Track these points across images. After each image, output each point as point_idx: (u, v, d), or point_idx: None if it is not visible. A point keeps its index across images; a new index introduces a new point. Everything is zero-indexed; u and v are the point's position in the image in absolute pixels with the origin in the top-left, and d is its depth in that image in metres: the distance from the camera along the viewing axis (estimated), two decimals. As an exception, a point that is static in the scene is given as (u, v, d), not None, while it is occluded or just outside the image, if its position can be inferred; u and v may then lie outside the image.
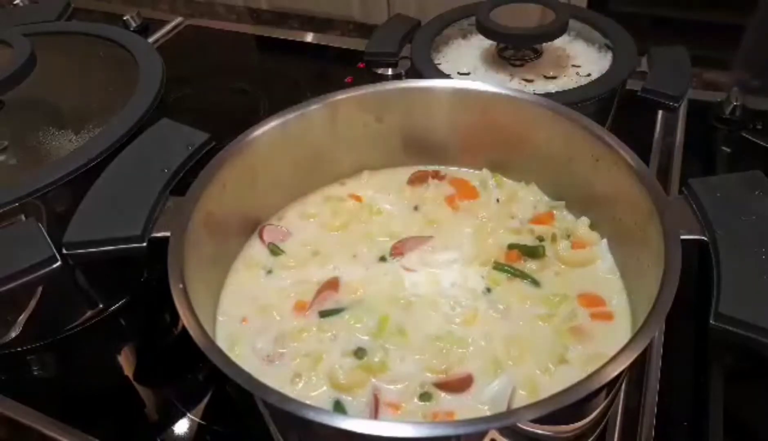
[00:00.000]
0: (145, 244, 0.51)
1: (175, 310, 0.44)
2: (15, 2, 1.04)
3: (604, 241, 0.59)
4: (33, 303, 0.63)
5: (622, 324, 0.54)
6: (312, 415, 0.38)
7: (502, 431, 0.38)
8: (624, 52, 0.77)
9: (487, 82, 0.65)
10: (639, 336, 0.41)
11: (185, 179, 0.56)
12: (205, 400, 0.62)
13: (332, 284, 0.58)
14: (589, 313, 0.55)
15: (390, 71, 0.87)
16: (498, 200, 0.65)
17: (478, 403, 0.49)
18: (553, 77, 0.77)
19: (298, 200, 0.67)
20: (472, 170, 0.69)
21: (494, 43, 0.81)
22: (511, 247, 0.60)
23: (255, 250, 0.62)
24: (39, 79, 0.67)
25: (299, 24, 1.25)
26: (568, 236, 0.61)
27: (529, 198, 0.66)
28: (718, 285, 0.45)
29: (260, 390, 0.40)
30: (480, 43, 0.83)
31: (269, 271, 0.60)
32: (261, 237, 0.63)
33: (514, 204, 0.65)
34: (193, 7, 1.34)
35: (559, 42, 0.79)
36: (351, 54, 1.08)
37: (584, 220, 0.61)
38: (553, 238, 0.61)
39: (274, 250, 0.62)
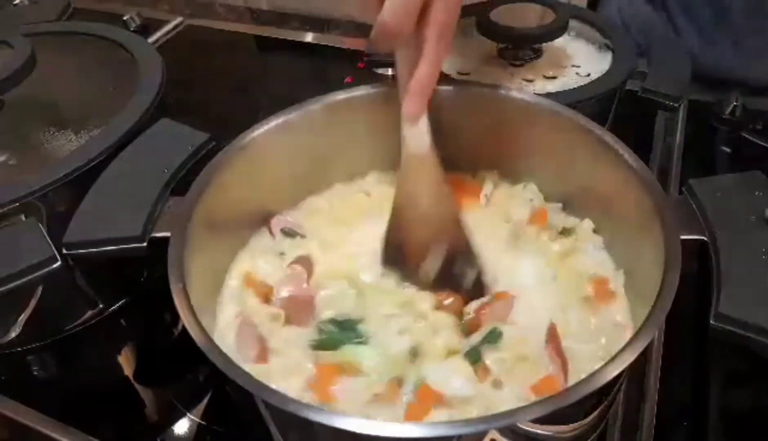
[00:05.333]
0: (145, 244, 0.51)
1: (175, 310, 0.45)
2: (15, 2, 1.04)
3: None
4: (33, 303, 0.63)
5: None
6: (312, 415, 0.38)
7: (502, 431, 0.38)
8: (624, 52, 0.77)
9: (487, 82, 0.65)
10: (639, 336, 0.41)
11: (185, 179, 0.56)
12: (205, 400, 0.62)
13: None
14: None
15: (390, 71, 0.87)
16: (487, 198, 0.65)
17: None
18: (553, 77, 0.77)
19: (298, 200, 0.67)
20: (472, 170, 0.69)
21: (494, 43, 0.81)
22: None
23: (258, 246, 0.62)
24: (39, 79, 0.67)
25: (299, 24, 1.25)
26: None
27: (528, 198, 0.66)
28: (718, 285, 0.45)
29: (260, 390, 0.40)
30: (480, 43, 0.83)
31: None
32: (269, 228, 0.63)
33: (513, 203, 0.65)
34: (193, 7, 1.33)
35: (559, 42, 0.79)
36: (351, 54, 1.08)
37: (588, 223, 0.61)
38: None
39: (290, 233, 0.62)
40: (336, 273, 0.58)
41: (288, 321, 0.55)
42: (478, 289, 0.56)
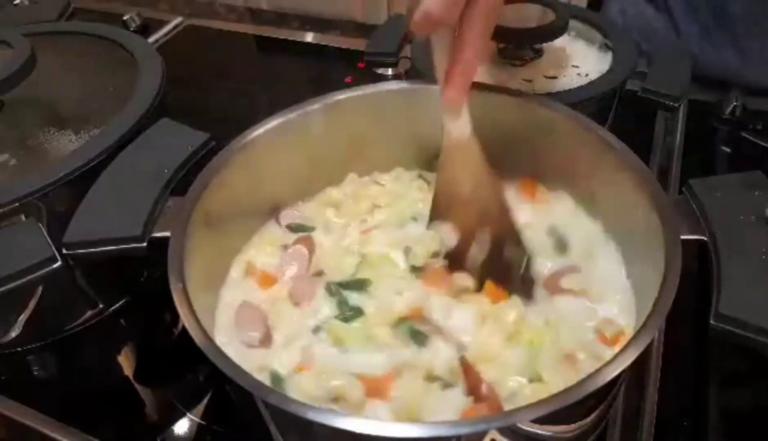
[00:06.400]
0: (145, 244, 0.51)
1: (175, 310, 0.44)
2: (15, 2, 1.04)
3: None
4: (33, 303, 0.63)
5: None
6: (312, 415, 0.38)
7: (502, 431, 0.38)
8: (624, 52, 0.77)
9: (487, 82, 0.65)
10: (639, 336, 0.41)
11: (185, 179, 0.56)
12: (205, 400, 0.62)
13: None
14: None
15: (390, 71, 0.87)
16: None
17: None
18: (553, 77, 0.77)
19: (298, 200, 0.67)
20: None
21: (494, 43, 0.81)
22: None
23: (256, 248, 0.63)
24: (39, 79, 0.67)
25: (299, 24, 1.25)
26: None
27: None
28: (718, 285, 0.45)
29: (260, 390, 0.40)
30: (480, 43, 0.83)
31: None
32: (277, 220, 0.64)
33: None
34: (193, 7, 1.34)
35: (559, 42, 0.79)
36: (351, 54, 1.08)
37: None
38: None
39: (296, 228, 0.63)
40: (339, 250, 0.59)
41: (294, 301, 0.56)
42: (528, 281, 0.56)
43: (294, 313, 0.55)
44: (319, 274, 0.58)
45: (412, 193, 0.65)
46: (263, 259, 0.60)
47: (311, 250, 0.59)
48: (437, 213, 0.60)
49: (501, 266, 0.56)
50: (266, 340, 0.53)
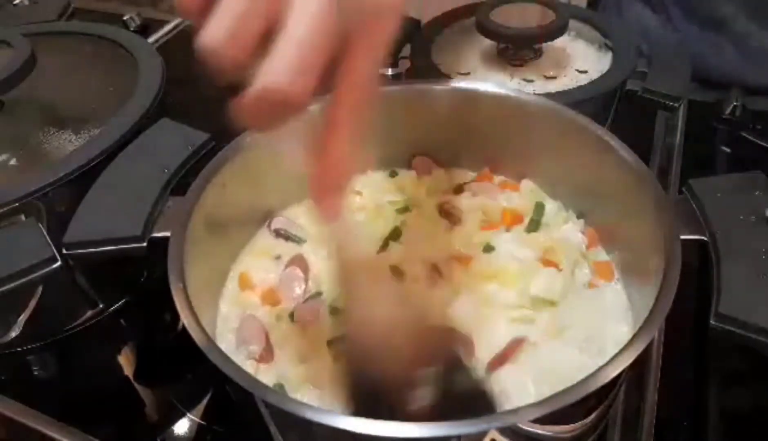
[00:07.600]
0: (145, 244, 0.51)
1: (175, 310, 0.44)
2: (15, 2, 1.04)
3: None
4: (33, 303, 0.63)
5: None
6: (312, 415, 0.38)
7: (503, 431, 0.38)
8: (624, 52, 0.77)
9: (487, 82, 0.65)
10: (639, 336, 0.41)
11: (185, 179, 0.56)
12: (205, 400, 0.62)
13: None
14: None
15: (390, 71, 0.87)
16: None
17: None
18: (553, 77, 0.77)
19: (298, 200, 0.67)
20: (474, 169, 0.69)
21: (494, 43, 0.81)
22: None
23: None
24: (39, 79, 0.67)
25: (299, 24, 1.25)
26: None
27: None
28: (718, 285, 0.45)
29: (260, 390, 0.40)
30: (480, 43, 0.83)
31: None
32: (269, 226, 0.63)
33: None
34: (193, 7, 1.33)
35: (559, 42, 0.79)
36: (351, 54, 1.08)
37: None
38: None
39: (285, 235, 0.62)
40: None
41: (298, 324, 0.55)
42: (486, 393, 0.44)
43: (299, 335, 0.54)
44: (318, 294, 0.57)
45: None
46: (259, 273, 0.60)
47: (305, 270, 0.59)
48: (355, 371, 0.43)
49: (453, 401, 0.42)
50: (267, 355, 0.53)
